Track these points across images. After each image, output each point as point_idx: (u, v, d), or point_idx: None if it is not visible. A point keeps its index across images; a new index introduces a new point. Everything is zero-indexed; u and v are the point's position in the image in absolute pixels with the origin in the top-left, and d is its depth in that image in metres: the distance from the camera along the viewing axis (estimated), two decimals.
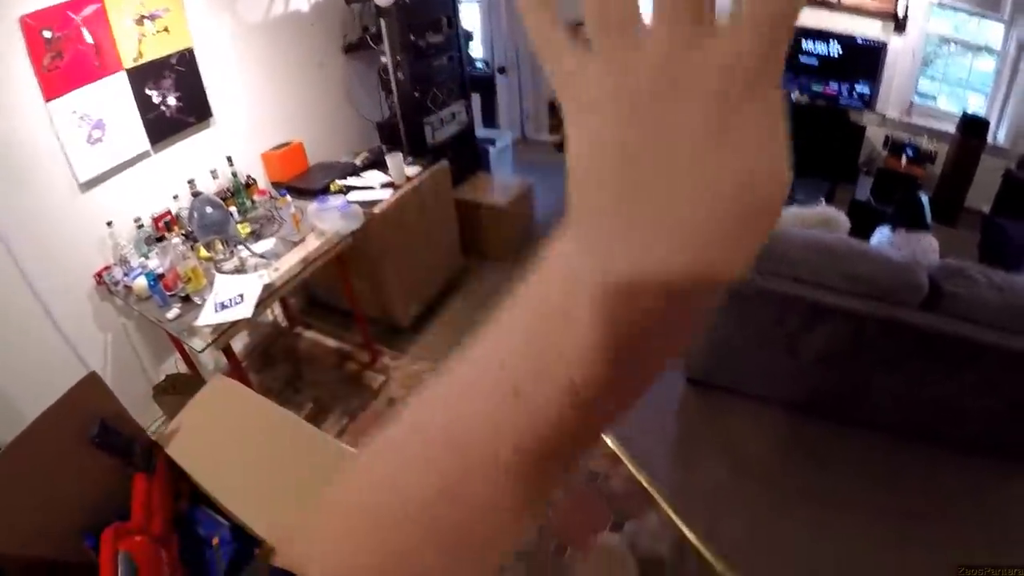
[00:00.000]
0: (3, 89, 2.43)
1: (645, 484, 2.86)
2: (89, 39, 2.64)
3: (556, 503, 2.75)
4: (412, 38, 3.95)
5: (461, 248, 4.48)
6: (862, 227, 3.78)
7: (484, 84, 6.09)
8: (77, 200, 2.74)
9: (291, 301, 4.03)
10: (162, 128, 3.03)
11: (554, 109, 7.17)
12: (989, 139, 5.60)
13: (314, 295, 4.24)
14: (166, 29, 2.94)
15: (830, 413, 3.34)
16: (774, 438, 3.28)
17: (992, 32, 5.77)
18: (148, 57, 2.89)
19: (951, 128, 5.71)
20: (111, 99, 2.78)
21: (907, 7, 5.64)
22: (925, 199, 4.25)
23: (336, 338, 3.94)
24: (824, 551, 2.79)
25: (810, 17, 6.03)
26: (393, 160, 3.66)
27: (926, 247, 3.42)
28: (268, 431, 1.62)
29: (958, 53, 6.17)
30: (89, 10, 2.62)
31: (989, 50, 5.87)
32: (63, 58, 2.56)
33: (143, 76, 2.89)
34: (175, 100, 3.06)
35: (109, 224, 2.77)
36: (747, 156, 0.27)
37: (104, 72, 2.73)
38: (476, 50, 6.27)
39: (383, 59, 4.00)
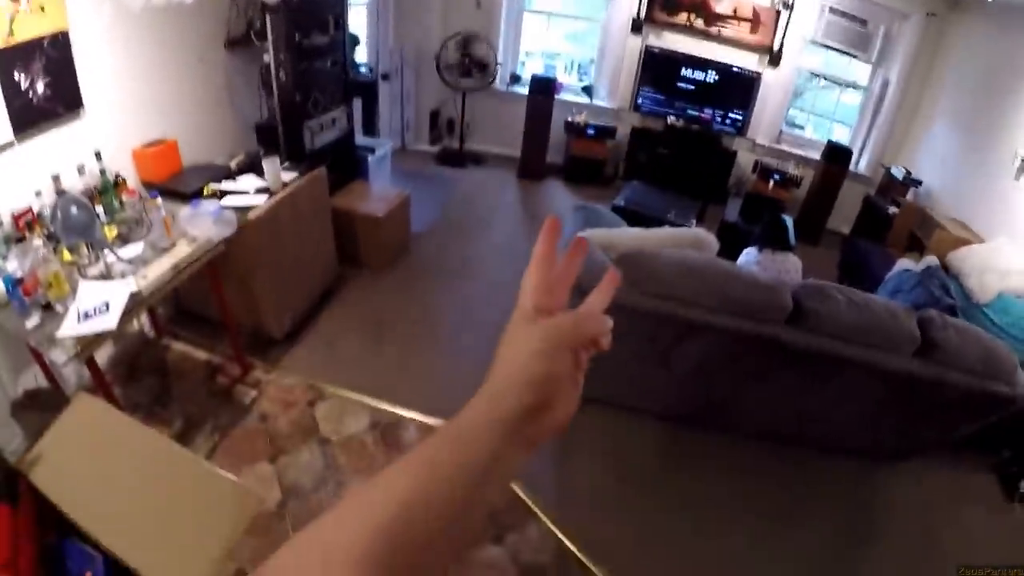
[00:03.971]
0: None
1: (524, 497, 2.96)
2: None
3: None
4: (298, 37, 3.88)
5: (337, 257, 4.44)
6: (730, 247, 4.05)
7: (366, 90, 6.03)
8: None
9: (159, 310, 3.83)
10: (28, 117, 2.77)
11: (435, 120, 7.23)
12: (851, 167, 6.15)
13: (183, 304, 4.04)
14: (42, 8, 2.71)
15: (703, 422, 3.58)
16: (652, 447, 3.46)
17: (859, 70, 6.35)
18: (20, 37, 2.65)
19: (817, 155, 6.24)
20: None
21: (782, 43, 6.07)
22: (789, 221, 4.61)
23: (206, 350, 3.77)
24: (705, 550, 2.96)
25: (690, 45, 6.40)
26: (270, 165, 3.56)
27: (790, 266, 3.70)
28: (137, 454, 1.54)
29: (827, 87, 6.71)
30: None
31: (855, 86, 6.43)
32: None
33: (12, 58, 2.65)
34: (44, 87, 2.82)
35: None
36: (560, 393, 0.53)
37: None
38: (361, 54, 6.21)
39: (266, 57, 3.89)
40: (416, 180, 5.97)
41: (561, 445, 3.37)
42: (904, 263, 4.54)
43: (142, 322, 3.77)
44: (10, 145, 2.74)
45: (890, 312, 2.99)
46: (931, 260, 4.38)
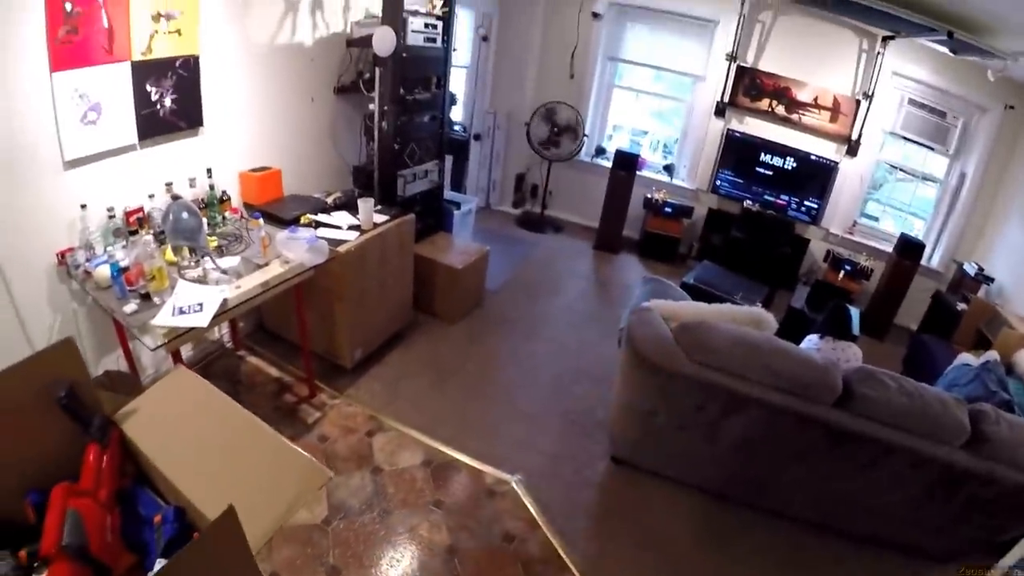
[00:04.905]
0: (14, 49, 2.41)
1: (560, 550, 2.94)
2: (105, 23, 2.66)
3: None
4: (402, 91, 4.09)
5: (413, 303, 4.55)
6: (795, 333, 3.99)
7: (458, 147, 6.24)
8: (58, 176, 2.71)
9: (240, 324, 4.02)
10: (153, 126, 3.04)
11: (520, 183, 7.40)
12: (923, 262, 5.97)
13: (263, 322, 4.23)
14: (178, 31, 3.00)
15: (742, 500, 3.45)
16: (688, 520, 3.35)
17: (937, 163, 6.24)
18: (156, 54, 2.93)
19: (889, 248, 6.09)
20: (112, 86, 2.80)
21: (861, 133, 6.05)
22: (854, 312, 4.52)
23: (278, 368, 3.92)
24: None
25: (771, 131, 6.43)
26: (364, 204, 3.73)
27: (850, 356, 3.60)
28: (222, 422, 1.63)
29: (904, 180, 6.60)
30: None
31: (932, 179, 6.32)
32: (78, 34, 2.55)
33: (147, 72, 2.92)
34: (171, 102, 3.09)
35: (83, 207, 2.74)
36: None
37: (112, 58, 2.74)
38: (457, 113, 6.45)
39: (371, 106, 4.11)
40: (496, 239, 6.07)
41: (600, 506, 3.37)
42: (964, 357, 4.38)
43: (222, 332, 3.96)
44: (133, 148, 3.00)
45: (940, 401, 2.88)
46: (991, 355, 4.20)
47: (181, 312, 2.54)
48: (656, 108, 7.64)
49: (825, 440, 2.98)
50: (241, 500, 1.30)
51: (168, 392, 1.68)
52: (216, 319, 2.61)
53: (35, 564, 1.22)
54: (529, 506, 3.18)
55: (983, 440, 2.82)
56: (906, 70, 5.88)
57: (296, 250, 3.15)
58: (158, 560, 1.27)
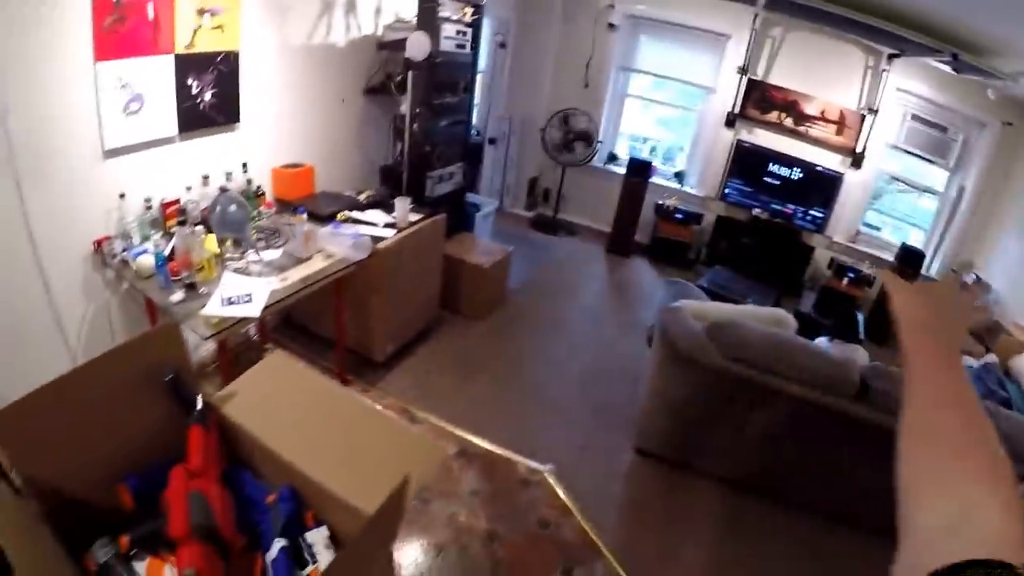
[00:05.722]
0: (59, 36, 2.36)
1: (593, 536, 2.96)
2: (151, 15, 2.64)
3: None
4: (433, 95, 4.10)
5: (438, 300, 4.55)
6: (804, 335, 4.01)
7: (474, 151, 6.21)
8: (97, 164, 2.66)
9: (267, 317, 3.95)
10: (192, 119, 3.03)
11: (533, 187, 7.38)
12: (923, 270, 6.01)
13: (290, 316, 4.20)
14: (220, 27, 2.97)
15: (767, 492, 3.49)
16: (714, 510, 3.38)
17: (937, 176, 6.27)
18: (198, 48, 2.91)
19: (890, 256, 6.14)
20: (155, 78, 2.77)
21: (865, 146, 6.07)
22: (860, 317, 4.54)
23: (307, 360, 3.82)
24: None
25: (779, 142, 6.45)
26: (401, 203, 3.76)
27: (857, 358, 3.64)
28: (325, 402, 1.59)
29: (905, 191, 6.64)
30: None
31: (932, 192, 6.35)
32: (124, 24, 2.54)
33: (189, 65, 2.90)
34: (211, 96, 3.06)
35: (122, 196, 2.71)
36: None
37: (156, 50, 2.72)
38: (472, 117, 6.41)
39: (401, 108, 4.12)
40: (512, 240, 6.05)
41: (628, 495, 3.44)
42: (964, 359, 4.44)
43: (249, 325, 3.89)
44: (172, 140, 2.97)
45: None
46: (991, 358, 4.34)
47: (231, 302, 2.53)
48: (662, 115, 7.66)
49: (845, 433, 3.06)
50: (367, 475, 1.28)
51: (265, 375, 1.65)
52: (265, 310, 2.59)
53: (133, 552, 1.18)
54: (561, 495, 3.20)
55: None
56: (909, 86, 5.91)
57: (340, 245, 3.18)
58: (276, 539, 1.24)
